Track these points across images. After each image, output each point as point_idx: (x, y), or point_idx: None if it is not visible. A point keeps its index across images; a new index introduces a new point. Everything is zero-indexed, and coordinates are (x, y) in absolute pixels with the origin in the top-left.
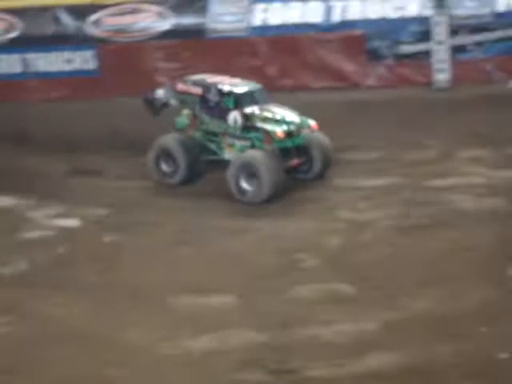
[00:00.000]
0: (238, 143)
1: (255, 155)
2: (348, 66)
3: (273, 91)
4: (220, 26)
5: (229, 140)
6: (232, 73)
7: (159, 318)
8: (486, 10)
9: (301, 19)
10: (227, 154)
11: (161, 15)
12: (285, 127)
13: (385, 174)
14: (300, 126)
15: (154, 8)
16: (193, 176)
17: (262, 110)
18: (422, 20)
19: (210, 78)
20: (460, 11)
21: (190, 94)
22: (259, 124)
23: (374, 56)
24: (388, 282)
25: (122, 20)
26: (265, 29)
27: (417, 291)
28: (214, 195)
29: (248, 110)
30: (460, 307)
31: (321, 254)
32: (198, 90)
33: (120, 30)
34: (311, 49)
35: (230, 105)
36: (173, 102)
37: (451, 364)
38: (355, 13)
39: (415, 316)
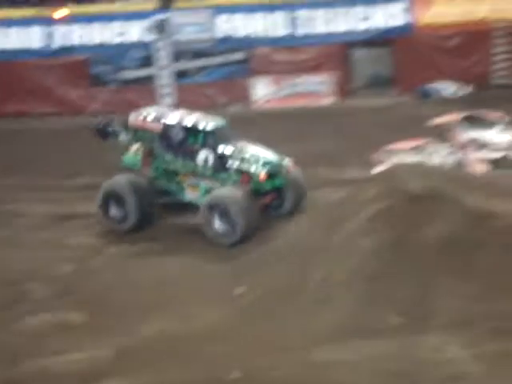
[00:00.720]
0: (204, 184)
1: (226, 194)
2: (71, 92)
3: None
4: None
5: (191, 180)
6: None
7: None
8: (206, 36)
9: (21, 45)
10: (189, 195)
11: None
12: (266, 169)
13: None
14: (279, 166)
15: None
16: (144, 222)
17: (235, 148)
18: (144, 45)
19: (169, 113)
20: (181, 36)
21: (146, 130)
22: (236, 165)
23: (98, 81)
24: (119, 308)
25: None
26: None
27: (148, 315)
28: None
29: (220, 149)
30: (190, 329)
31: (51, 282)
32: (156, 126)
33: None
34: (33, 74)
35: (199, 143)
36: (124, 137)
37: None
38: (77, 38)
39: (147, 340)
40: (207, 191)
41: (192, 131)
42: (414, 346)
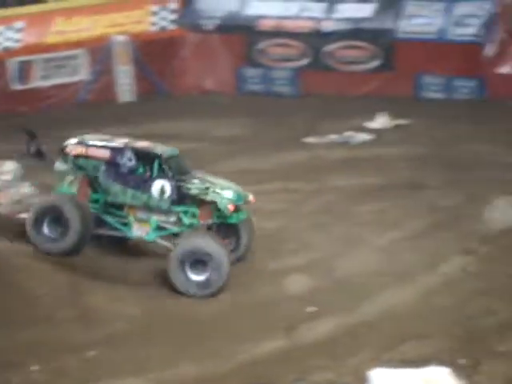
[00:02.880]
0: (155, 218)
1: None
2: None
3: None
4: None
5: (140, 215)
6: None
7: None
8: None
9: None
10: (137, 232)
11: None
12: (234, 200)
13: None
14: (245, 199)
15: None
16: (82, 245)
17: (195, 178)
18: None
19: (113, 139)
20: None
21: (90, 157)
22: (198, 195)
23: None
24: None
25: None
26: None
27: None
28: None
29: (177, 178)
30: None
31: None
32: (103, 153)
33: None
34: None
35: (153, 171)
36: (60, 166)
37: None
38: None
39: None
40: (158, 227)
41: (145, 158)
42: None
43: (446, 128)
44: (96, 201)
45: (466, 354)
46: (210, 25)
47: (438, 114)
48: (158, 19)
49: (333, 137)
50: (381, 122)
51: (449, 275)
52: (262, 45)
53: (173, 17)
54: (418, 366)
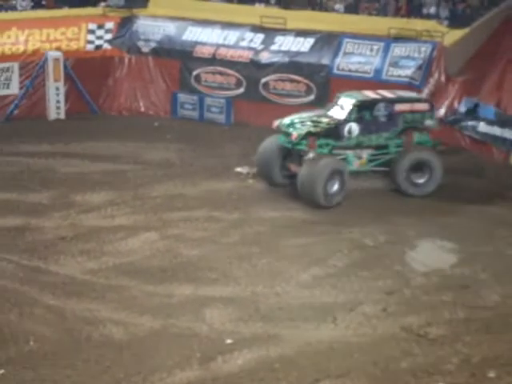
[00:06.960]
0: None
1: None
2: None
3: None
4: None
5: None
6: None
7: None
8: None
9: None
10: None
11: None
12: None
13: None
14: None
15: None
16: None
17: None
18: None
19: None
20: None
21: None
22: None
23: None
24: None
25: None
26: None
27: None
28: None
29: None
30: None
31: None
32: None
33: None
34: None
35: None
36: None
37: None
38: None
39: None
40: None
41: None
42: None
43: None
44: None
45: None
46: (146, 47)
47: None
48: (94, 38)
49: None
50: None
51: (368, 315)
52: (197, 71)
53: (109, 36)
54: None
